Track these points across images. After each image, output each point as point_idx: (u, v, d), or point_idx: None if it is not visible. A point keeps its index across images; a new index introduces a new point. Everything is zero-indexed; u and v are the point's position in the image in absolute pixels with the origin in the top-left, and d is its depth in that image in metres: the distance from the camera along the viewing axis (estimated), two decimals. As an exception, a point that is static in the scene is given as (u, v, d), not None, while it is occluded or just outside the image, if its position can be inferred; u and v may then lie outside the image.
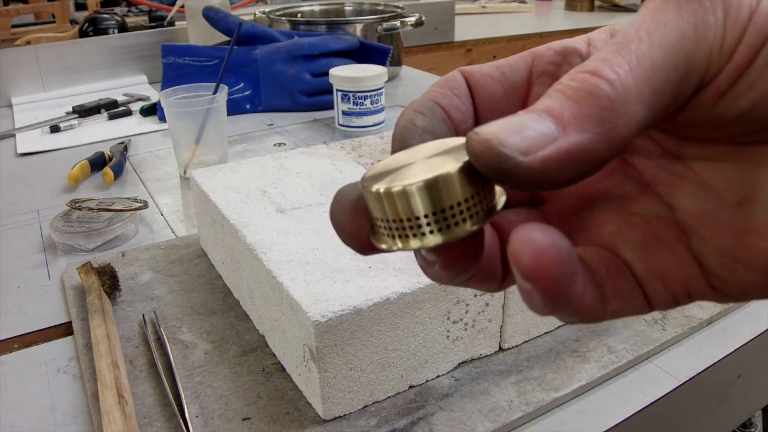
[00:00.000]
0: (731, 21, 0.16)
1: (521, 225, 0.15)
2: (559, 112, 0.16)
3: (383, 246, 0.18)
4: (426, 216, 0.17)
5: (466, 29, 1.73)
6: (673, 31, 0.16)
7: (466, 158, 0.17)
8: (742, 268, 0.18)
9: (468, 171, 0.17)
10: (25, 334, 0.51)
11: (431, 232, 0.17)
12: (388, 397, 0.42)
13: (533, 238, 0.15)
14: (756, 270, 0.18)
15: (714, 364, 0.46)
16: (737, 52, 0.16)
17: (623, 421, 0.41)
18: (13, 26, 1.59)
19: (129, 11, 1.78)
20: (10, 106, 1.13)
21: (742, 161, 0.18)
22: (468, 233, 0.17)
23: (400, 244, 0.18)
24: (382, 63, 1.06)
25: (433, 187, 0.17)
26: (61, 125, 1.00)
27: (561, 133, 0.15)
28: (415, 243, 0.17)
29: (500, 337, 0.46)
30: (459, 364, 0.45)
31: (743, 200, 0.18)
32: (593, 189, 0.21)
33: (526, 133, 0.15)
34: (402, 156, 0.18)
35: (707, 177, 0.19)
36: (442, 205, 0.17)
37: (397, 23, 1.17)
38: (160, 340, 0.48)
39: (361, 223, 0.19)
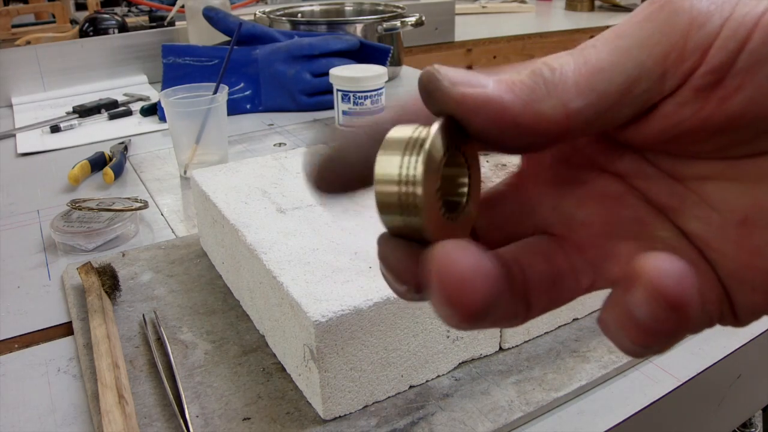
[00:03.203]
0: (696, 27, 0.17)
1: (648, 255, 0.16)
2: (502, 77, 0.18)
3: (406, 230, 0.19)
4: (401, 167, 0.18)
5: (466, 29, 1.73)
6: (627, 40, 0.17)
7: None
8: (749, 290, 0.18)
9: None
10: (25, 334, 0.51)
11: (416, 168, 0.17)
12: (389, 397, 0.42)
13: (671, 266, 0.15)
14: (761, 291, 0.18)
15: (714, 364, 0.46)
16: (710, 55, 0.17)
17: (623, 421, 0.41)
18: (14, 26, 1.59)
19: (129, 11, 1.78)
20: (11, 106, 1.13)
21: (741, 179, 0.18)
22: (440, 141, 0.18)
23: (417, 205, 0.18)
24: (382, 63, 1.06)
25: (387, 147, 0.18)
26: (62, 125, 1.00)
27: (492, 87, 0.18)
28: (417, 188, 0.17)
29: (500, 337, 0.46)
30: (459, 364, 0.45)
31: (744, 220, 0.18)
32: (609, 218, 0.20)
33: (465, 75, 0.18)
34: None
35: (708, 197, 0.19)
36: (402, 145, 0.18)
37: (398, 23, 1.17)
38: (160, 340, 0.48)
39: (415, 261, 0.18)
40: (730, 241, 0.18)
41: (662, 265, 0.15)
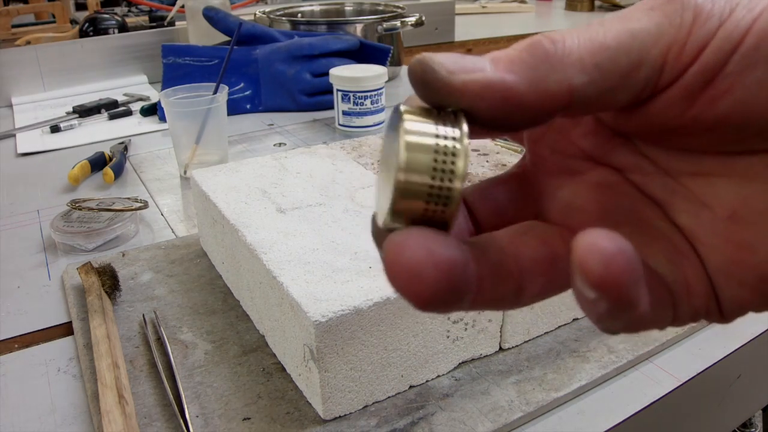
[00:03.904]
0: (698, 25, 0.17)
1: (585, 231, 0.15)
2: (498, 56, 0.17)
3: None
4: (436, 159, 0.17)
5: (466, 29, 1.73)
6: (634, 24, 0.17)
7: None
8: (736, 285, 0.18)
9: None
10: (25, 334, 0.51)
11: (454, 163, 0.17)
12: (389, 397, 0.42)
13: (602, 246, 0.15)
14: (748, 286, 0.18)
15: (714, 364, 0.46)
16: (704, 55, 0.17)
17: (623, 421, 0.41)
18: (14, 26, 1.59)
19: (129, 11, 1.78)
20: (10, 106, 1.13)
21: (732, 175, 0.18)
22: (466, 147, 0.17)
23: (449, 198, 0.17)
24: (382, 63, 1.06)
25: (415, 134, 0.17)
26: (61, 125, 1.00)
27: (491, 69, 0.17)
28: (455, 182, 0.17)
29: (500, 336, 0.46)
30: (459, 364, 0.45)
31: (733, 215, 0.18)
32: (605, 205, 0.21)
33: (459, 60, 0.17)
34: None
35: (699, 192, 0.19)
36: (432, 134, 0.17)
37: (398, 23, 1.17)
38: (160, 340, 0.48)
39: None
40: (719, 236, 0.18)
41: (593, 243, 0.15)
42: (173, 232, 0.67)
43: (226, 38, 1.14)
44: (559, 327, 0.48)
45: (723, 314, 0.19)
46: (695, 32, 0.17)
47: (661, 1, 0.17)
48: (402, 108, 0.18)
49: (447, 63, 0.17)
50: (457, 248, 0.16)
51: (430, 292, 0.16)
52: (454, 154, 0.17)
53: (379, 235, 0.19)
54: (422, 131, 0.17)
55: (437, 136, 0.17)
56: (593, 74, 0.17)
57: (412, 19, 1.17)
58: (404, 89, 1.19)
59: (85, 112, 1.04)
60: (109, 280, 0.53)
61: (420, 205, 0.17)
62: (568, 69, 0.17)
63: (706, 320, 0.19)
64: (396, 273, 0.16)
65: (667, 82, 0.17)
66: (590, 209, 0.21)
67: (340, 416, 0.40)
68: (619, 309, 0.15)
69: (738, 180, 0.18)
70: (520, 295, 0.19)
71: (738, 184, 0.18)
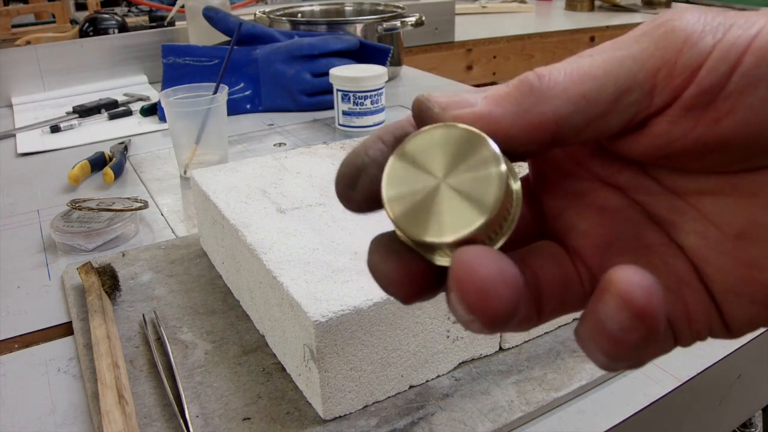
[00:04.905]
0: (689, 45, 0.17)
1: (620, 267, 0.16)
2: (490, 93, 0.19)
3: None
4: (510, 204, 0.18)
5: (466, 29, 1.73)
6: (621, 52, 0.18)
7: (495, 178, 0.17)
8: (746, 302, 0.18)
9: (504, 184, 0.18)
10: (25, 334, 0.51)
11: (514, 214, 0.18)
12: (389, 397, 0.42)
13: (638, 279, 0.16)
14: (759, 303, 0.18)
15: (714, 364, 0.46)
16: (700, 75, 0.17)
17: (623, 421, 0.41)
18: (14, 26, 1.59)
19: (129, 11, 1.78)
20: (10, 106, 1.13)
21: (738, 193, 0.18)
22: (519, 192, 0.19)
23: (504, 233, 0.19)
24: (382, 63, 1.06)
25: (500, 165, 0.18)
26: (61, 125, 1.00)
27: (480, 104, 0.18)
28: (513, 223, 0.19)
29: (500, 336, 0.46)
30: (459, 364, 0.45)
31: (741, 233, 0.18)
32: (608, 230, 0.20)
33: (452, 98, 0.19)
34: (413, 178, 0.19)
35: (706, 211, 0.19)
36: (506, 177, 0.18)
37: (398, 23, 1.17)
38: (160, 340, 0.48)
39: (407, 269, 0.19)
40: (727, 255, 0.18)
41: (632, 278, 0.16)
42: (173, 232, 0.67)
43: (226, 38, 1.14)
44: (559, 327, 0.48)
45: (731, 331, 0.19)
46: (686, 51, 0.17)
47: (650, 27, 0.18)
48: (477, 131, 0.18)
49: (441, 101, 0.19)
50: (515, 266, 0.17)
51: (502, 309, 0.16)
52: (518, 197, 0.18)
53: (395, 250, 0.19)
54: (506, 173, 0.18)
55: (510, 177, 0.18)
56: (580, 103, 0.17)
57: (412, 19, 1.17)
58: (404, 89, 1.19)
59: (85, 112, 1.04)
60: (109, 280, 0.53)
61: (484, 235, 0.18)
62: (552, 100, 0.17)
63: (713, 337, 0.19)
64: (468, 289, 0.16)
65: (663, 103, 0.17)
66: (594, 233, 0.21)
67: (340, 416, 0.40)
68: (649, 339, 0.16)
69: (744, 198, 0.18)
70: (540, 316, 0.19)
71: (744, 201, 0.18)
